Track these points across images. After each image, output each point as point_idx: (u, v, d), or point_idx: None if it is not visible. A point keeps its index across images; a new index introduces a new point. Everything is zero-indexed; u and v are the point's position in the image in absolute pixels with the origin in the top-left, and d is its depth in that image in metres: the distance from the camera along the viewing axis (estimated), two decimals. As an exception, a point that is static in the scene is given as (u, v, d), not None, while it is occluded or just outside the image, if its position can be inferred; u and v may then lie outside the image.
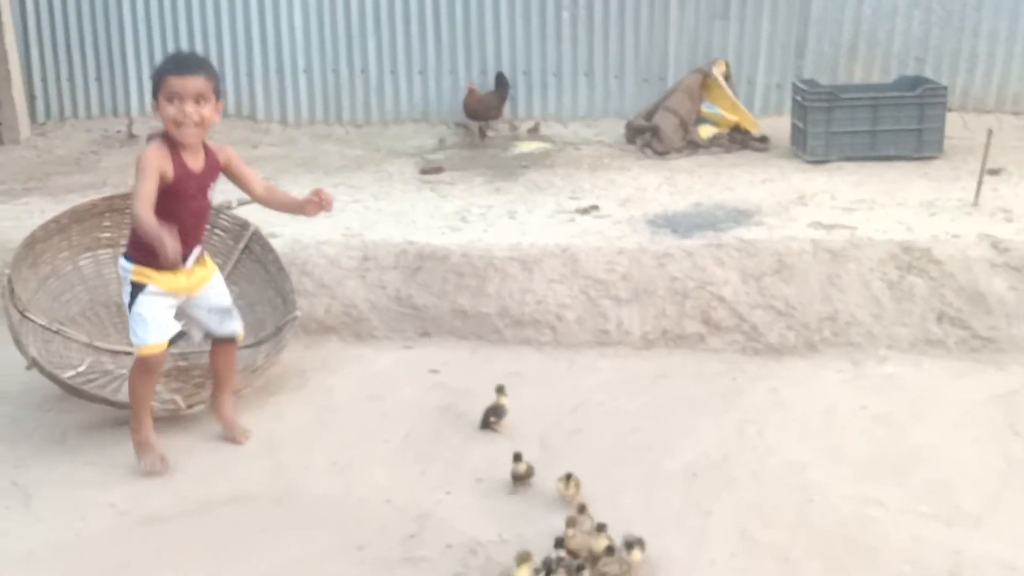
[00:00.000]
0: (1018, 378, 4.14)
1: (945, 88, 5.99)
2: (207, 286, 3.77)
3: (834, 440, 3.70)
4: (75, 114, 7.62)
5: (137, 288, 3.60)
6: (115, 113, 7.56)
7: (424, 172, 6.15)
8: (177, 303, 3.71)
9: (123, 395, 3.94)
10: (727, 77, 6.56)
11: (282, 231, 4.88)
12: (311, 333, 4.69)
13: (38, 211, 5.44)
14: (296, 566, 3.05)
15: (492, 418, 3.84)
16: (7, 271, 4.01)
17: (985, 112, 6.75)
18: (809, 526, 3.18)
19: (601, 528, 3.02)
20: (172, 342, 3.68)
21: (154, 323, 3.59)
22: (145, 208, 3.42)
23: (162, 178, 3.49)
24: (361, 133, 7.24)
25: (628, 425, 3.87)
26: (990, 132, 5.04)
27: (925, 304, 4.42)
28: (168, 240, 3.37)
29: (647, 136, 6.40)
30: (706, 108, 6.50)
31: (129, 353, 4.34)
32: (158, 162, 3.48)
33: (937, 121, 5.85)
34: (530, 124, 7.09)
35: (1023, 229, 4.60)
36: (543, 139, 6.90)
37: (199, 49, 7.31)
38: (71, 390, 3.93)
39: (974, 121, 6.54)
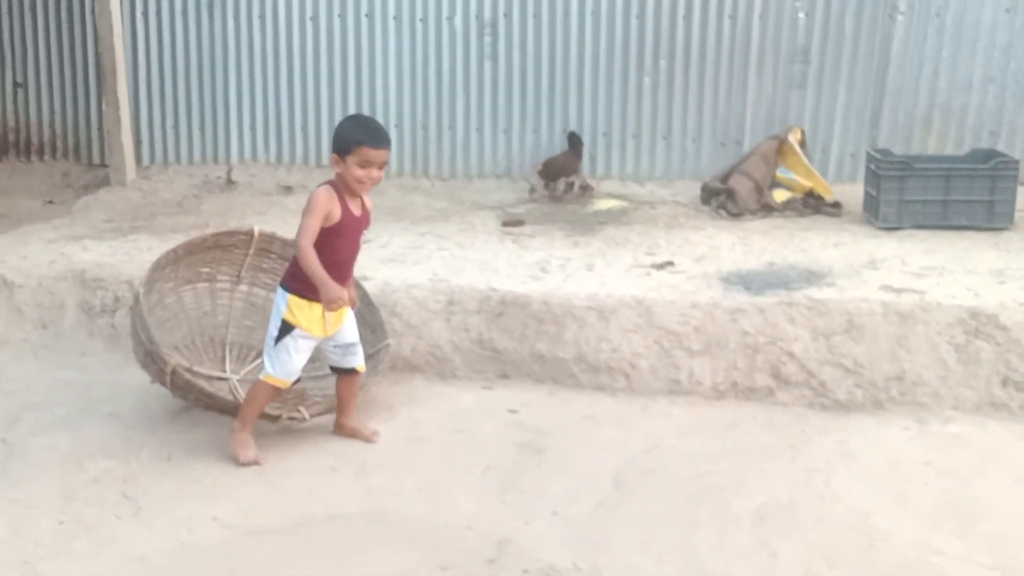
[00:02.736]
0: (1082, 441, 4.25)
1: (1017, 161, 6.14)
2: (342, 326, 4.19)
3: (899, 490, 3.84)
4: (178, 160, 8.09)
5: (286, 328, 4.04)
6: (216, 160, 8.02)
7: (506, 224, 6.43)
8: (316, 343, 4.14)
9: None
10: (802, 144, 6.76)
11: (374, 275, 5.19)
12: (398, 370, 4.96)
13: (146, 247, 5.83)
14: (388, 579, 3.29)
15: None
16: (140, 289, 4.34)
17: (1057, 186, 6.87)
18: (872, 568, 3.33)
19: None
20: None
21: (292, 364, 4.07)
22: (307, 241, 3.94)
23: (329, 219, 3.99)
24: (447, 186, 7.58)
25: (700, 468, 4.04)
26: (1060, 204, 5.19)
27: (991, 368, 4.55)
28: (330, 284, 3.90)
29: (722, 198, 6.61)
30: (781, 173, 6.71)
31: (222, 378, 4.77)
32: (328, 204, 3.99)
33: (1009, 193, 5.99)
34: (595, 182, 7.30)
35: (1091, 299, 4.72)
36: (620, 197, 7.14)
37: (298, 105, 7.76)
38: (201, 394, 4.27)
39: (1046, 195, 6.66)
